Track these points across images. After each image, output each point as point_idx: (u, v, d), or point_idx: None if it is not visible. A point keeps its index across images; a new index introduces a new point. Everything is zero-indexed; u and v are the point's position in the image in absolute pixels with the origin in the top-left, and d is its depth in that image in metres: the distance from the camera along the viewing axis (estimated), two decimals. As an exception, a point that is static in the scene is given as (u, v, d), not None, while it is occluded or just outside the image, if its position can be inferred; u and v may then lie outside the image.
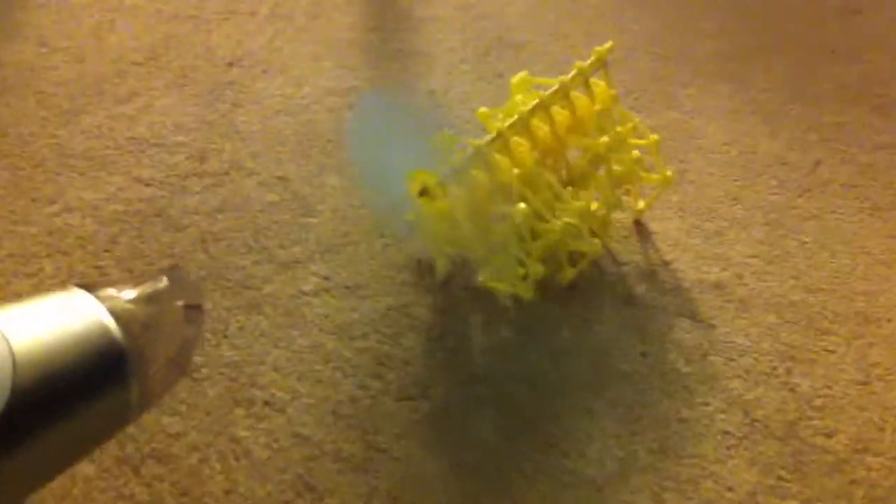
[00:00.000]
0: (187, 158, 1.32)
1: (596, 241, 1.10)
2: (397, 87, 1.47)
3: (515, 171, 1.07)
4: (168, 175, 1.29)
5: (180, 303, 0.57)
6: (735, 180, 1.33)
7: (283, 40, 1.58)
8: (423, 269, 1.17)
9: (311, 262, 1.18)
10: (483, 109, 1.14)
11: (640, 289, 1.16)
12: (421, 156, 1.11)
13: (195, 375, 1.03)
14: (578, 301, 1.14)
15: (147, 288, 0.56)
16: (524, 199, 1.03)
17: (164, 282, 0.56)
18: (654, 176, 1.21)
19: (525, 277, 1.08)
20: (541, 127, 1.11)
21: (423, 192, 1.07)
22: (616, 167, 1.15)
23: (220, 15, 1.63)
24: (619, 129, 1.15)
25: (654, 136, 1.20)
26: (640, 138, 1.20)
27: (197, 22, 1.58)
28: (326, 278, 1.16)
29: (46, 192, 1.27)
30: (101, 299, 0.51)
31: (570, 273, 1.13)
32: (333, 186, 1.29)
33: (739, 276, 1.18)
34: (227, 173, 1.29)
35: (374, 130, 1.39)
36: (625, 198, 1.22)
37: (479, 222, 1.05)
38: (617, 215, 1.23)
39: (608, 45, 1.17)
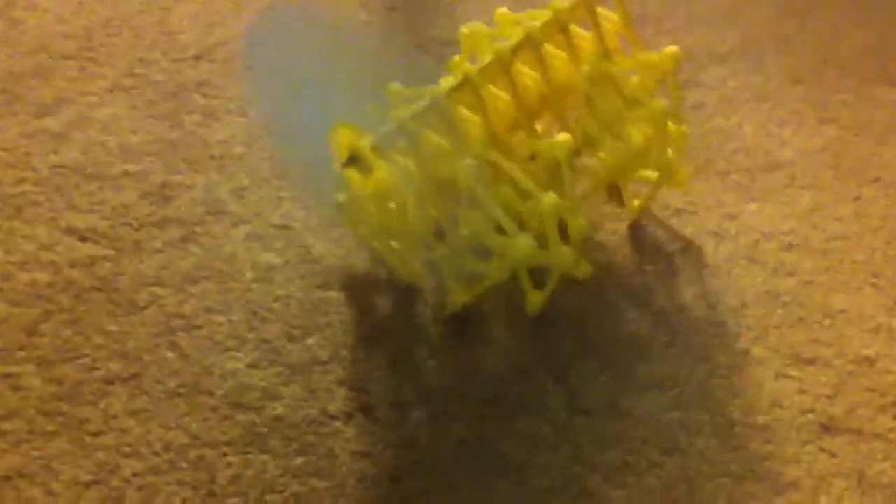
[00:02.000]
0: (142, 197, 0.90)
1: (566, 250, 0.75)
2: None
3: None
4: (114, 224, 0.88)
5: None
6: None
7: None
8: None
9: (337, 363, 0.77)
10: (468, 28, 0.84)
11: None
12: (351, 105, 0.81)
13: None
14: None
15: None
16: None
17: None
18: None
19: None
20: (527, 73, 0.82)
21: (352, 161, 0.76)
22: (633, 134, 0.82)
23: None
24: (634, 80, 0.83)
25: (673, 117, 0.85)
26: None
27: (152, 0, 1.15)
28: (363, 390, 0.76)
29: (-69, 253, 0.84)
30: None
31: (536, 297, 0.80)
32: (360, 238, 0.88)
33: None
34: (200, 221, 0.88)
35: (286, 57, 1.02)
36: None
37: (433, 203, 0.76)
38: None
39: None
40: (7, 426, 0.74)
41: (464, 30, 0.85)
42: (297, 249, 0.88)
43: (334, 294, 0.84)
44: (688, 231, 0.91)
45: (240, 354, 0.80)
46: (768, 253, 0.90)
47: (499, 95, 0.82)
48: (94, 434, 0.74)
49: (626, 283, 0.86)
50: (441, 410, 0.77)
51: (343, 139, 0.79)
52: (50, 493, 0.70)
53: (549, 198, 0.74)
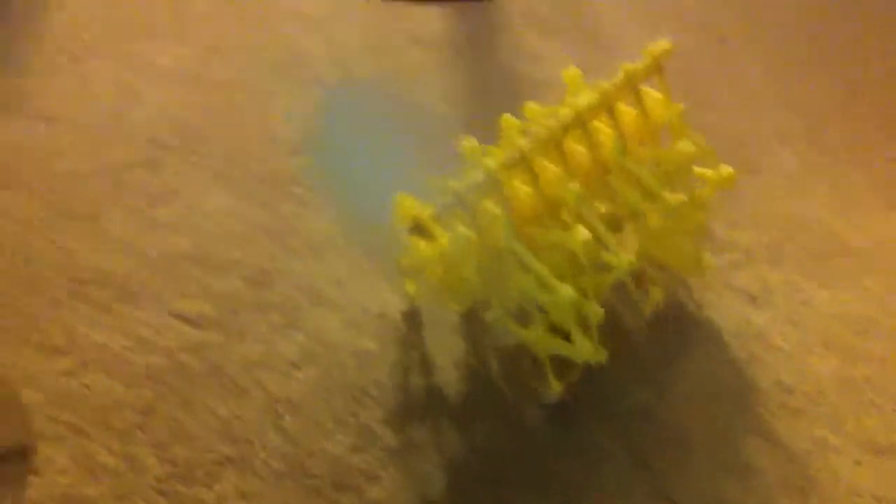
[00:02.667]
0: (244, 282, 0.96)
1: (587, 343, 0.82)
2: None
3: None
4: (220, 309, 0.94)
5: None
6: None
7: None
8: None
9: (434, 448, 0.82)
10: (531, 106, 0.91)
11: None
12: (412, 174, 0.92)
13: None
14: None
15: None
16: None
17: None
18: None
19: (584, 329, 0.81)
20: (576, 149, 0.88)
21: (415, 229, 0.84)
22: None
23: (279, 81, 1.27)
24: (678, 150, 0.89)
25: (728, 170, 0.92)
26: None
27: (248, 91, 1.22)
28: (459, 473, 0.80)
29: (54, 337, 0.92)
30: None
31: (556, 386, 0.86)
32: (459, 322, 0.93)
33: None
34: (298, 307, 0.93)
35: (351, 133, 1.13)
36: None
37: (493, 267, 0.83)
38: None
39: (665, 44, 0.91)
40: (129, 506, 0.80)
41: (506, 118, 0.91)
42: (393, 336, 0.93)
43: (430, 380, 0.89)
44: (764, 317, 0.95)
45: (341, 437, 0.85)
46: (842, 339, 0.93)
47: (549, 167, 0.87)
48: (210, 514, 0.79)
49: (703, 370, 0.90)
50: (540, 493, 0.81)
51: (405, 209, 0.86)
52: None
53: (566, 290, 0.78)
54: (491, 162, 0.82)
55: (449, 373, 0.90)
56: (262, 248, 1.01)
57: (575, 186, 0.83)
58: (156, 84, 1.22)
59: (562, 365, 0.86)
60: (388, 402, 0.87)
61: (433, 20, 1.32)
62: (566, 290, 0.78)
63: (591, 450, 0.84)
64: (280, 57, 1.27)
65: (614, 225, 0.89)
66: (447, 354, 0.92)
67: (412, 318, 0.95)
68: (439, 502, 0.80)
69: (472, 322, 0.94)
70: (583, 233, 0.80)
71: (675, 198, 0.86)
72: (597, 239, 0.81)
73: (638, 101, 0.91)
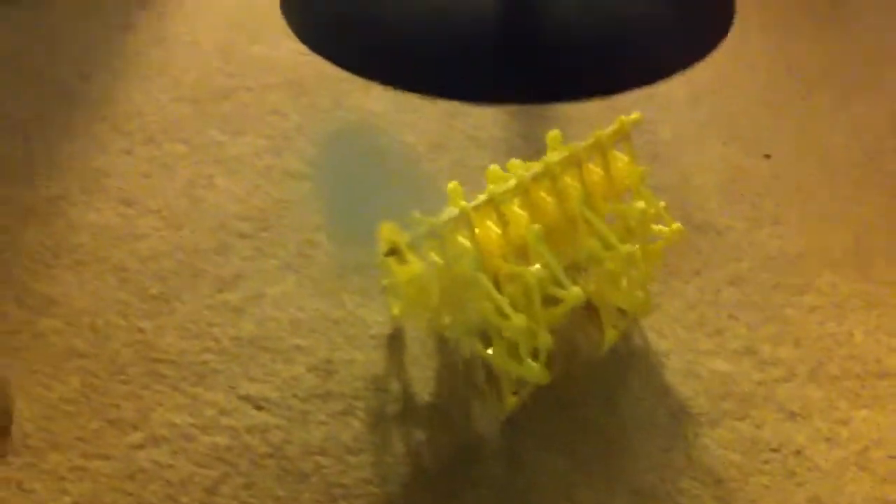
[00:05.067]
0: (308, 370, 1.02)
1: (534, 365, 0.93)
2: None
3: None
4: (285, 394, 1.00)
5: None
6: None
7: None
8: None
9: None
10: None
11: None
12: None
13: None
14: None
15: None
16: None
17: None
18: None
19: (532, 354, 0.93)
20: (544, 198, 1.01)
21: (391, 252, 0.96)
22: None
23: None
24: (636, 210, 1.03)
25: (678, 226, 1.08)
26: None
27: (317, 182, 1.30)
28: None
29: (127, 413, 0.97)
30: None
31: (511, 402, 0.98)
32: (523, 418, 0.97)
33: None
34: (358, 396, 0.99)
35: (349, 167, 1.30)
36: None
37: (456, 295, 0.97)
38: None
39: (635, 115, 1.06)
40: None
41: (491, 169, 1.03)
42: (445, 425, 0.98)
43: (481, 470, 0.94)
44: (801, 435, 0.99)
45: (394, 526, 0.89)
46: (878, 461, 0.97)
47: (519, 213, 1.01)
48: None
49: (740, 490, 0.94)
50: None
51: (387, 234, 0.98)
52: None
53: (519, 319, 0.90)
54: (465, 203, 0.95)
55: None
56: (324, 337, 1.07)
57: (537, 227, 0.95)
58: (230, 172, 1.30)
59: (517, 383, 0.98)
60: (440, 492, 0.92)
61: (488, 120, 1.39)
62: (519, 319, 0.90)
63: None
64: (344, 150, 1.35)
65: (575, 268, 1.06)
66: (497, 445, 0.96)
67: (395, 339, 1.05)
68: None
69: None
70: (538, 270, 0.93)
71: (627, 248, 0.98)
72: (552, 276, 0.94)
73: (605, 162, 1.05)
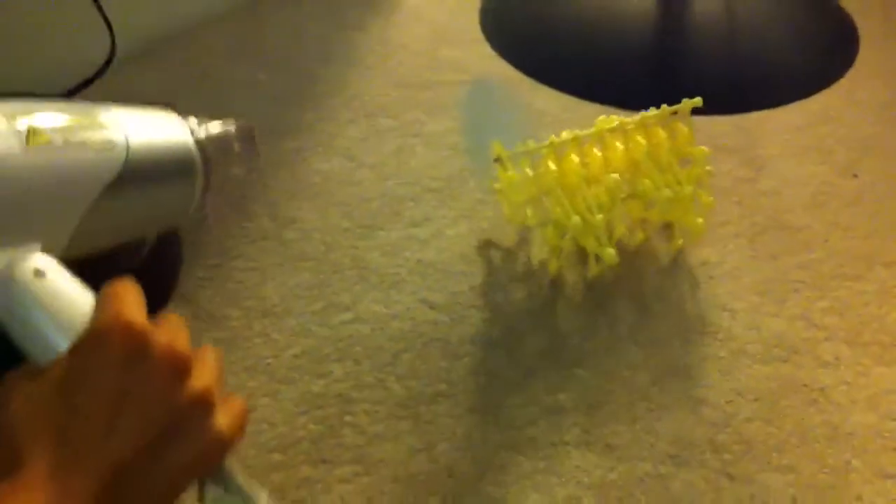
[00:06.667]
0: (470, 289, 1.42)
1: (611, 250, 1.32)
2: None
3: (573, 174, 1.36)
4: (450, 302, 1.40)
5: (237, 146, 0.79)
6: None
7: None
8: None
9: (576, 413, 1.24)
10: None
11: None
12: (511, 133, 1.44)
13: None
14: None
15: (218, 126, 0.79)
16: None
17: (233, 127, 0.79)
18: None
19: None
20: (616, 147, 1.34)
21: (497, 160, 1.36)
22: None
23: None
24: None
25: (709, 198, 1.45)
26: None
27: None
28: (587, 432, 1.22)
29: (342, 299, 1.40)
30: (186, 121, 0.75)
31: (609, 255, 1.32)
32: (603, 346, 1.35)
33: None
34: (502, 310, 1.39)
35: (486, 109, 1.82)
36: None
37: (538, 199, 1.36)
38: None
39: (696, 99, 1.39)
40: None
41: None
42: (560, 344, 1.37)
43: (582, 373, 1.32)
44: (828, 377, 1.32)
45: (516, 395, 1.29)
46: (885, 403, 1.28)
47: (595, 155, 1.38)
48: None
49: (772, 407, 1.28)
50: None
51: (496, 148, 1.39)
52: None
53: (576, 219, 1.30)
54: (554, 137, 1.36)
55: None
56: (482, 269, 1.48)
57: (615, 176, 1.32)
58: (427, 145, 1.73)
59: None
60: (556, 381, 1.31)
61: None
62: (577, 219, 1.30)
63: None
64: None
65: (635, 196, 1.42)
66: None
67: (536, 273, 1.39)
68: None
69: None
70: (617, 178, 1.33)
71: (686, 188, 1.37)
72: (607, 222, 1.33)
73: (669, 129, 1.40)
